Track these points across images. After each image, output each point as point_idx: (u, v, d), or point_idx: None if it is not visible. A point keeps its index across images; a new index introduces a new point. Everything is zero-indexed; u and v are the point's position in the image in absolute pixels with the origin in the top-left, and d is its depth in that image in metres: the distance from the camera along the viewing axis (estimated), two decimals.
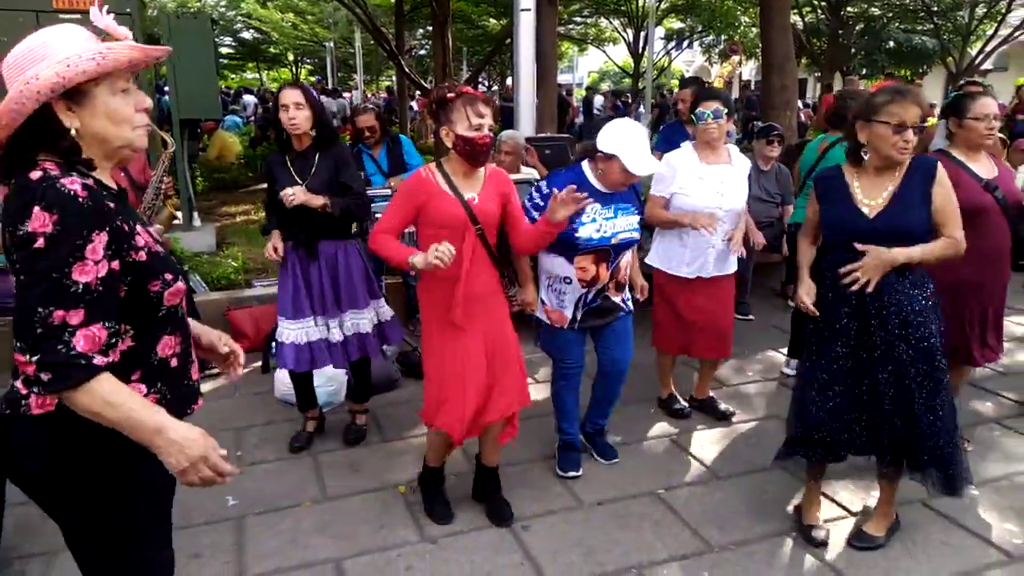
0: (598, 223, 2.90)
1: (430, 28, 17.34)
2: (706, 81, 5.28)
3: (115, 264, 1.39)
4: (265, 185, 3.43)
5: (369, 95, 23.45)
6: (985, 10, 18.17)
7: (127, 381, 1.44)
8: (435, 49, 12.67)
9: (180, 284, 1.54)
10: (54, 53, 1.36)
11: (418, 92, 16.86)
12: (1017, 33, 18.57)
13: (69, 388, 1.32)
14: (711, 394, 3.94)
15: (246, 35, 32.69)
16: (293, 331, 3.28)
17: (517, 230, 2.76)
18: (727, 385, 4.31)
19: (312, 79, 32.61)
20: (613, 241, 2.92)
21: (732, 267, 3.58)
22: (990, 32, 18.36)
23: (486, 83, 31.23)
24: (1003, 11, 17.65)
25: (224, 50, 31.63)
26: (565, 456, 3.29)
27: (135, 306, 1.45)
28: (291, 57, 33.85)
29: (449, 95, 2.55)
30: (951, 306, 3.10)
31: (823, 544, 2.76)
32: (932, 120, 6.18)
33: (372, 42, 20.53)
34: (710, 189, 3.38)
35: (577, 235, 2.86)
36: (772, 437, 3.61)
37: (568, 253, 2.92)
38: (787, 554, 2.73)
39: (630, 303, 3.18)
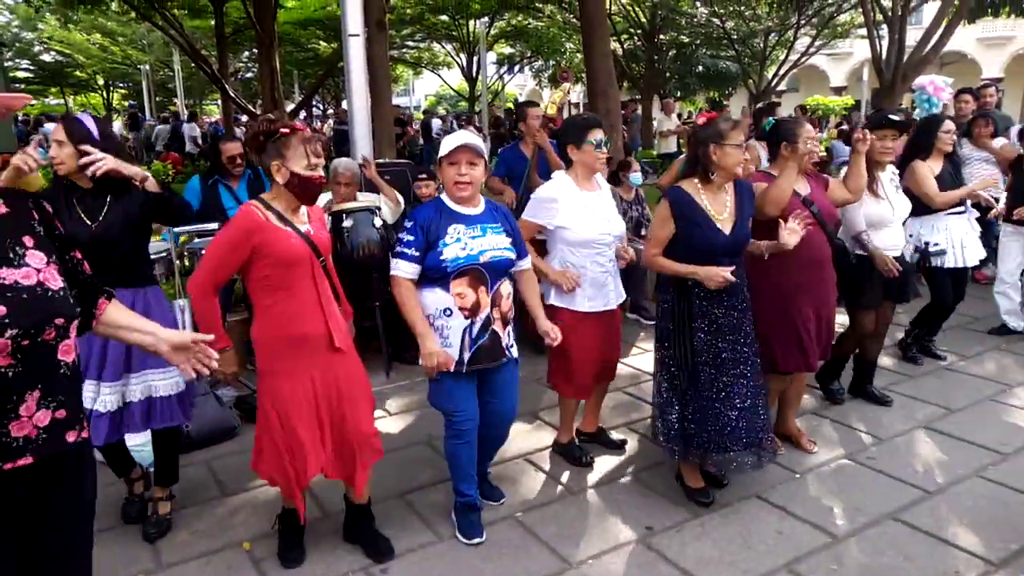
0: (463, 242, 2.79)
1: (256, 51, 16.69)
2: (531, 103, 5.46)
3: None
4: None
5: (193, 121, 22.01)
6: (776, 38, 20.33)
7: None
8: (262, 73, 12.19)
9: None
10: None
11: (245, 117, 16.14)
12: (804, 58, 20.97)
13: None
14: (601, 424, 3.82)
15: (46, 57, 29.84)
16: None
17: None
18: None
19: (125, 104, 30.35)
20: (481, 260, 2.79)
21: (622, 296, 3.52)
22: (782, 57, 20.58)
23: (320, 106, 30.56)
24: (791, 39, 19.87)
25: (20, 74, 28.71)
26: (466, 521, 3.00)
27: None
28: (101, 81, 31.31)
29: (284, 129, 2.48)
30: (784, 312, 3.39)
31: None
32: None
33: (193, 64, 19.45)
34: (597, 216, 3.30)
35: (442, 258, 2.76)
36: (622, 448, 3.75)
37: (442, 282, 2.80)
38: (640, 562, 2.82)
39: (515, 350, 3.01)
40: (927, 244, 4.56)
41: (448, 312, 2.80)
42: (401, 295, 2.80)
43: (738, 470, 3.13)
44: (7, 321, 1.47)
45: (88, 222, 2.80)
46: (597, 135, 3.28)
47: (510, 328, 2.96)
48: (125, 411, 2.90)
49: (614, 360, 3.60)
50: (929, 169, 4.48)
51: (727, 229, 2.98)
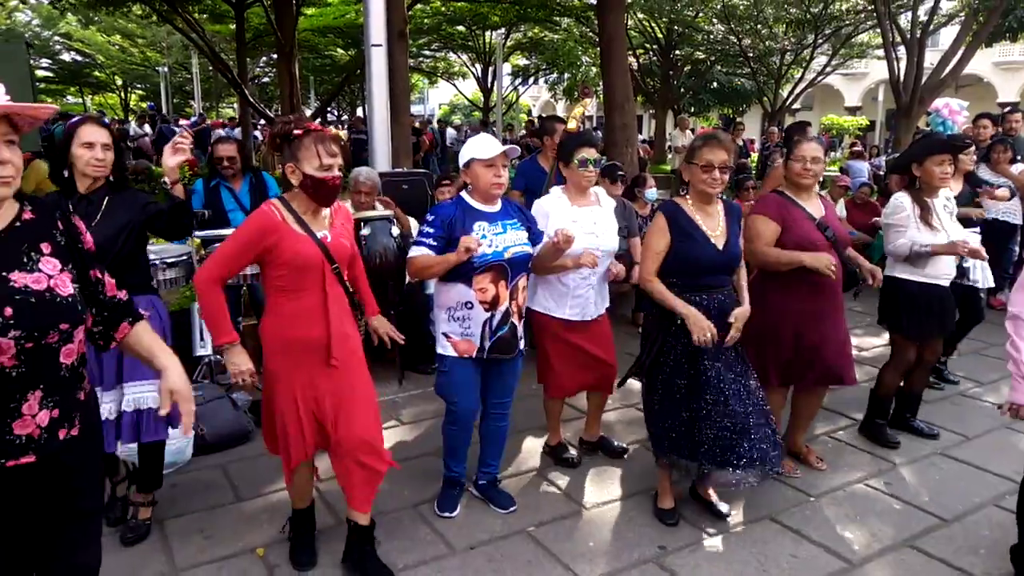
0: (488, 239, 2.90)
1: (274, 56, 16.80)
2: (559, 118, 5.49)
3: None
4: None
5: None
6: (792, 57, 20.34)
7: None
8: (281, 79, 12.28)
9: None
10: None
11: (262, 121, 16.25)
12: (819, 78, 20.96)
13: None
14: (602, 433, 3.94)
15: (65, 57, 30.15)
16: None
17: (354, 269, 2.74)
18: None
19: (144, 105, 30.60)
20: (506, 255, 2.92)
21: (606, 303, 3.63)
22: (798, 76, 20.58)
23: (335, 112, 30.73)
24: (807, 58, 19.88)
25: (40, 73, 29.01)
26: (446, 495, 3.26)
27: None
28: (119, 82, 31.61)
29: (297, 131, 2.46)
30: (795, 336, 3.38)
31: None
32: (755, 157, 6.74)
33: (211, 67, 19.61)
34: (584, 231, 3.36)
35: None
36: (635, 463, 3.75)
37: (465, 277, 2.90)
38: None
39: (523, 342, 3.15)
40: (960, 258, 4.48)
41: (469, 305, 2.93)
42: (423, 260, 2.87)
43: (738, 487, 3.08)
44: (12, 323, 1.54)
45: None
46: (584, 153, 3.37)
47: (524, 320, 3.11)
48: (120, 420, 2.89)
49: (605, 367, 3.61)
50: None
51: (720, 245, 3.00)
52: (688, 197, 3.06)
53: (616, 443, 3.88)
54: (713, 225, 3.03)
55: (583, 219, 3.41)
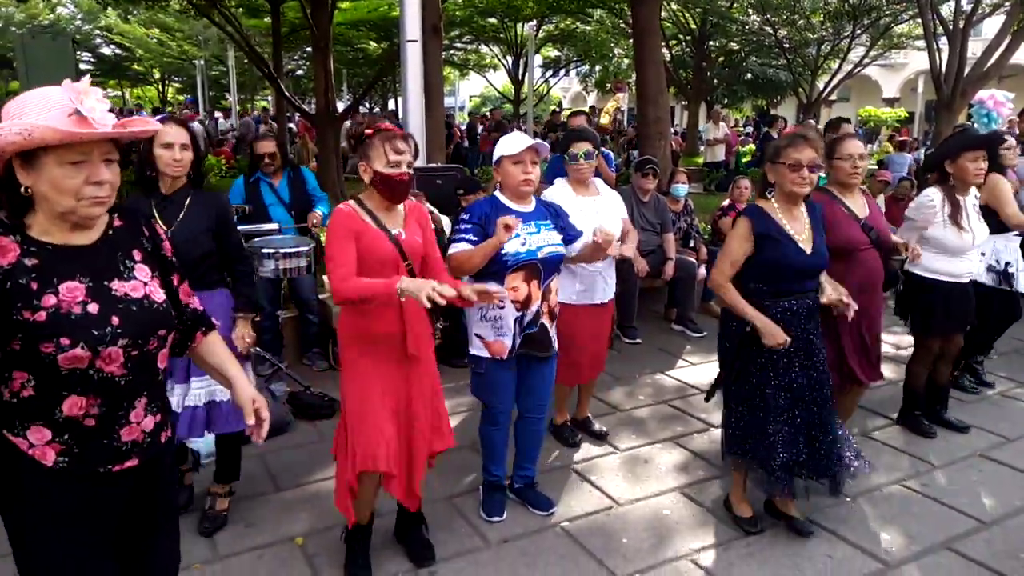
0: (522, 238, 2.92)
1: (308, 49, 16.96)
2: (585, 111, 5.47)
3: None
4: None
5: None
6: (829, 48, 19.97)
7: (28, 426, 1.56)
8: (316, 72, 12.37)
9: (79, 351, 1.52)
10: (18, 115, 1.47)
11: (297, 114, 16.43)
12: (857, 68, 20.56)
13: None
14: (588, 414, 4.11)
15: (106, 51, 30.80)
16: None
17: (429, 266, 2.73)
18: (620, 410, 4.42)
19: (181, 98, 31.13)
20: (540, 255, 2.94)
21: (612, 293, 3.78)
22: (835, 67, 20.21)
23: (367, 105, 30.92)
24: (845, 49, 19.50)
25: (81, 66, 29.65)
26: (491, 499, 3.24)
27: (33, 361, 1.52)
28: (157, 75, 32.18)
29: (367, 131, 2.53)
30: (835, 332, 3.35)
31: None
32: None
33: (246, 61, 19.87)
34: (587, 220, 3.42)
35: (503, 252, 2.86)
36: (667, 460, 3.75)
37: (498, 275, 2.92)
38: None
39: (556, 344, 3.17)
40: (1007, 264, 4.40)
41: (501, 304, 2.95)
42: (463, 254, 2.87)
43: (823, 491, 3.11)
44: (119, 331, 1.57)
45: (165, 228, 2.86)
46: (579, 147, 3.58)
47: (555, 322, 3.13)
48: (191, 413, 2.96)
49: (602, 350, 3.89)
50: (1010, 186, 4.30)
51: (808, 249, 2.89)
52: (773, 200, 2.94)
53: (596, 426, 4.06)
54: (800, 228, 2.92)
55: (586, 208, 3.56)
